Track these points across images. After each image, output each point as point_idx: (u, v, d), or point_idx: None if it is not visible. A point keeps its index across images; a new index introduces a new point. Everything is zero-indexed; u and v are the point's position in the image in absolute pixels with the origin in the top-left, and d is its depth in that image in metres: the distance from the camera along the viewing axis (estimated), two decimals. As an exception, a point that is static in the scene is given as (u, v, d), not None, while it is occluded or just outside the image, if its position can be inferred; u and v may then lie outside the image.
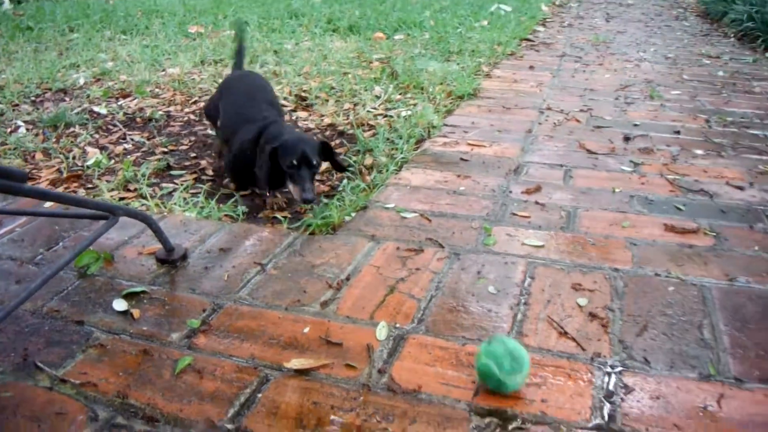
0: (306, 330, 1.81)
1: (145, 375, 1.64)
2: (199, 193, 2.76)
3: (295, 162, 2.43)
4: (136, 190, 2.86)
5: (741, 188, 2.77)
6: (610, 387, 1.58)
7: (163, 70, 5.03)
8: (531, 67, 5.20)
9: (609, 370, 1.63)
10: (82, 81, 4.80)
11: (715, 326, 1.81)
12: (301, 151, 2.43)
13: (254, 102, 2.86)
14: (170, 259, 2.18)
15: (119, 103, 4.26)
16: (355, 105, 4.00)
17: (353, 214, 2.51)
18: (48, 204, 2.65)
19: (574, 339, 1.75)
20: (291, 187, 2.50)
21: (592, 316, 1.85)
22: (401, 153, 3.16)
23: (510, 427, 1.45)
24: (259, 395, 1.57)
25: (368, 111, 3.87)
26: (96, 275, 2.12)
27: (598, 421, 1.47)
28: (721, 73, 5.11)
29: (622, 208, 2.56)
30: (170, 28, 6.68)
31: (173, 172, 3.07)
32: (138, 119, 3.91)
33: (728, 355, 1.69)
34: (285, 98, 4.18)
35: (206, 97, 4.29)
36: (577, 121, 3.72)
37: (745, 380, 1.60)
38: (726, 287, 2.01)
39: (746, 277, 2.06)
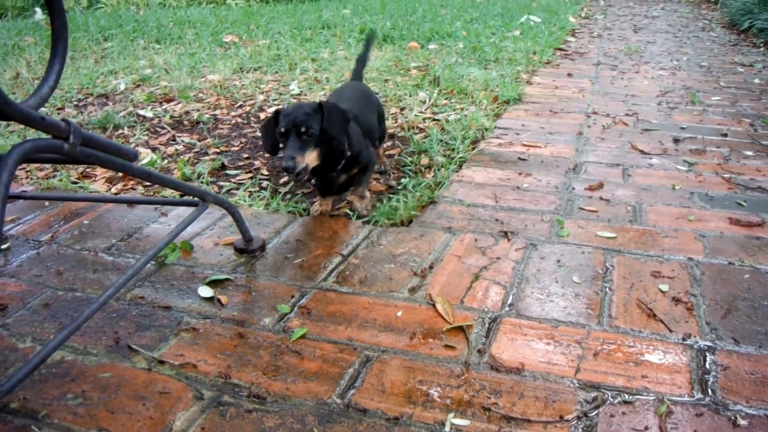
0: (399, 314, 1.84)
1: (243, 357, 1.67)
2: (258, 190, 2.80)
3: (282, 129, 2.21)
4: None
5: (798, 186, 2.80)
6: (706, 365, 1.60)
7: (203, 77, 5.08)
8: (569, 75, 5.23)
9: (701, 349, 1.66)
10: (122, 86, 4.86)
11: (799, 311, 1.84)
12: (291, 118, 2.22)
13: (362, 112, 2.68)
14: (249, 249, 2.22)
15: (164, 106, 4.31)
16: (401, 109, 4.03)
17: (423, 209, 2.54)
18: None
19: (662, 321, 1.77)
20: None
21: (676, 300, 1.88)
22: (458, 153, 3.19)
23: (615, 401, 1.48)
24: (363, 374, 1.59)
25: (416, 115, 3.90)
26: (174, 264, 2.16)
27: (699, 395, 1.49)
28: (756, 81, 5.12)
29: (685, 203, 2.58)
30: (204, 38, 6.75)
31: (228, 172, 3.11)
32: (185, 122, 3.96)
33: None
34: (331, 102, 4.21)
35: (251, 102, 4.34)
36: (625, 124, 3.74)
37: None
38: (803, 276, 2.03)
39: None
